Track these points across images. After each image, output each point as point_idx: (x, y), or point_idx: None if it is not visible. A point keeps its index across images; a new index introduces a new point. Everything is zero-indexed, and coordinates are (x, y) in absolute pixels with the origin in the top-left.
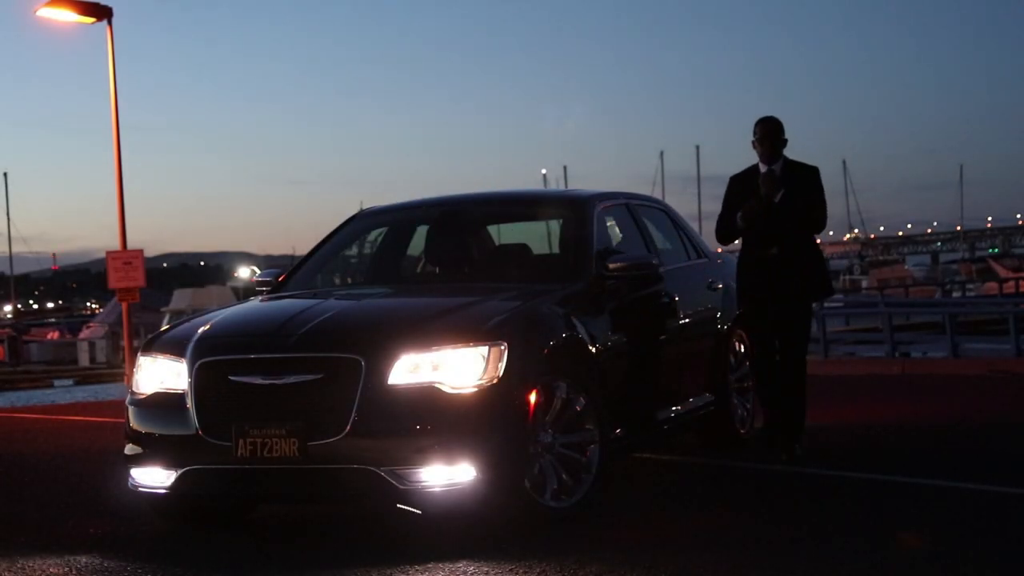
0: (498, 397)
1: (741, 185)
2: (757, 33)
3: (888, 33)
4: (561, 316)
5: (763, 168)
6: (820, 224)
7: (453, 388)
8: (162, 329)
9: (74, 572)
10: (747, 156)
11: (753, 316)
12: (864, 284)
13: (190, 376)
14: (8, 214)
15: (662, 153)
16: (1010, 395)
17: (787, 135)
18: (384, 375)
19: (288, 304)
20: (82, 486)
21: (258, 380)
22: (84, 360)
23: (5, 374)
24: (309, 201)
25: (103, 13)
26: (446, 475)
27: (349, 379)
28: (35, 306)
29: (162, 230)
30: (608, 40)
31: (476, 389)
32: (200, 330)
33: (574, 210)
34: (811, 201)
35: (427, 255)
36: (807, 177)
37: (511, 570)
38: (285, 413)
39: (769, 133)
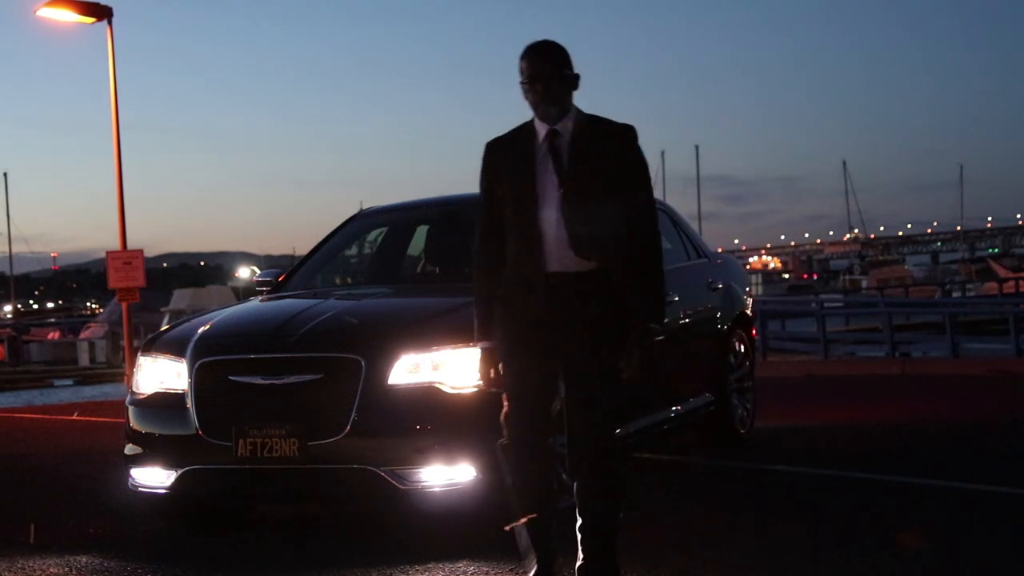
0: (498, 397)
1: (504, 156)
2: (757, 33)
3: (888, 33)
4: None
5: (541, 128)
6: (647, 226)
7: (453, 388)
8: (162, 329)
9: (74, 572)
10: (748, 155)
11: (519, 378)
12: (864, 284)
13: (190, 376)
14: (8, 214)
15: (662, 153)
16: (1010, 395)
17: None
18: (384, 375)
19: (288, 304)
20: (82, 486)
21: (258, 380)
22: (84, 360)
23: (5, 374)
24: (309, 201)
25: (103, 13)
26: (446, 475)
27: (349, 379)
28: (35, 306)
29: (162, 230)
30: (608, 40)
31: (476, 389)
32: (200, 330)
33: None
34: (619, 185)
35: (427, 255)
36: (615, 144)
37: (511, 570)
38: (285, 413)
39: (545, 71)
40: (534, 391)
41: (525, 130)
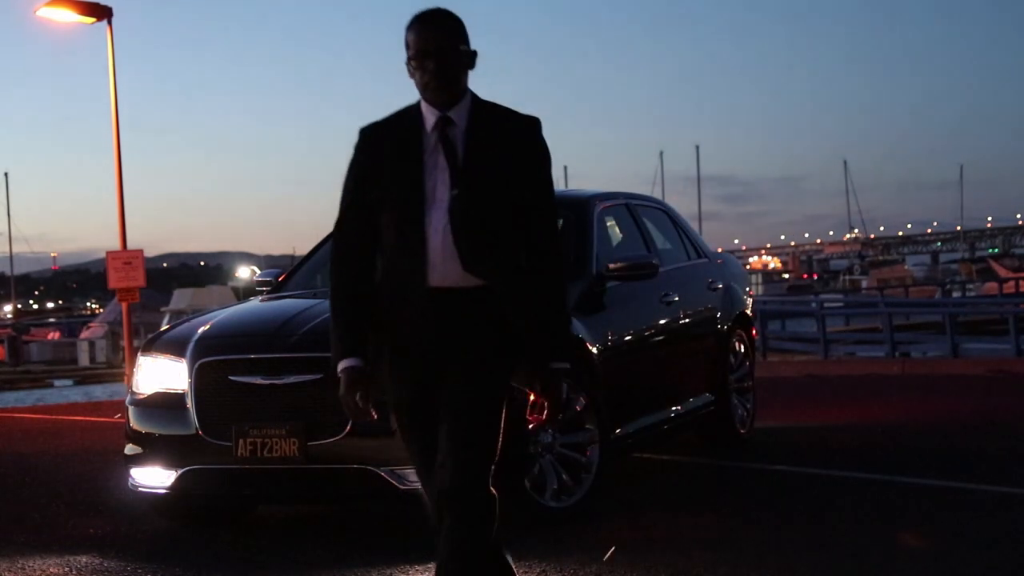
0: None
1: (384, 147)
2: (757, 33)
3: (888, 33)
4: None
5: (429, 115)
6: (549, 239)
7: None
8: (162, 329)
9: (74, 572)
10: (748, 155)
11: (409, 418)
12: (864, 284)
13: (190, 376)
14: (8, 214)
15: (662, 153)
16: (1010, 395)
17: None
18: None
19: (288, 304)
20: (82, 486)
21: (258, 380)
22: (84, 360)
23: (5, 374)
24: (309, 201)
25: (103, 13)
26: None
27: None
28: (35, 306)
29: (162, 230)
30: (607, 40)
31: None
32: (200, 330)
33: (574, 210)
34: (521, 187)
35: None
36: (517, 137)
37: None
38: (285, 413)
39: (437, 45)
40: (424, 429)
41: (409, 116)
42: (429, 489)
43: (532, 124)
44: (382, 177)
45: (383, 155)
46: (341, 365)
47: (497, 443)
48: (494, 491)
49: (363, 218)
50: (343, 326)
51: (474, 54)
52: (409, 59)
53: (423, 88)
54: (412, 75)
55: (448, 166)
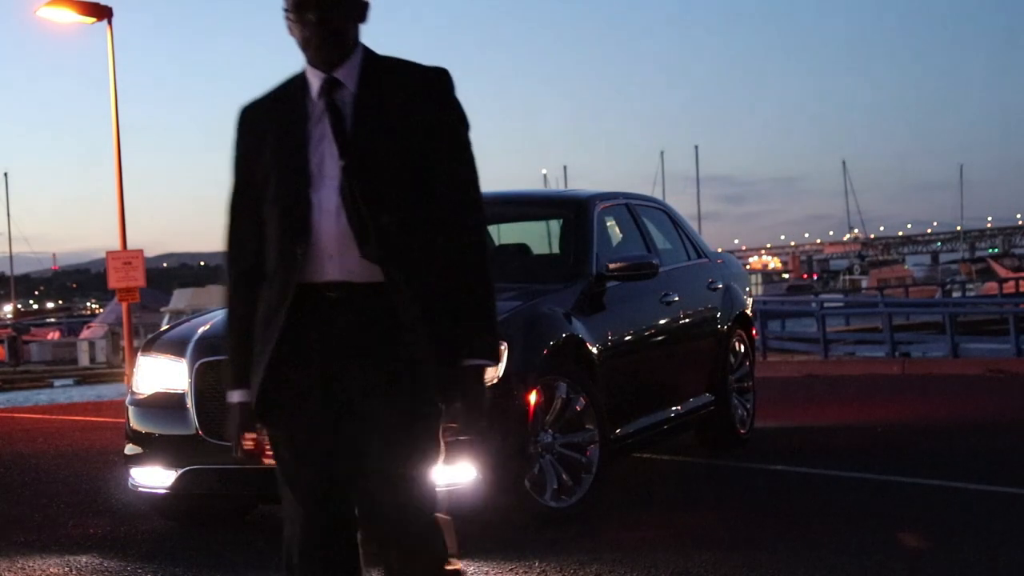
0: (498, 397)
1: (266, 123)
2: (757, 33)
3: (888, 33)
4: (561, 316)
5: (315, 78)
6: (469, 215)
7: None
8: (162, 329)
9: (74, 572)
10: (748, 155)
11: (289, 450)
12: (864, 284)
13: (190, 376)
14: (8, 214)
15: (662, 153)
16: (1010, 395)
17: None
18: None
19: None
20: (82, 486)
21: None
22: (84, 360)
23: (5, 374)
24: None
25: (103, 13)
26: (446, 475)
27: None
28: (35, 306)
29: (162, 230)
30: (607, 40)
31: None
32: (200, 330)
33: (574, 210)
34: (429, 154)
35: None
36: (420, 95)
37: (511, 570)
38: None
39: None
40: (318, 467)
41: (293, 84)
42: (302, 537)
43: (438, 77)
44: (264, 157)
45: (264, 133)
46: (234, 397)
47: (427, 467)
48: (437, 516)
49: (254, 212)
50: (238, 348)
51: (365, 5)
52: (286, 11)
53: (304, 45)
54: (291, 31)
55: (335, 136)
